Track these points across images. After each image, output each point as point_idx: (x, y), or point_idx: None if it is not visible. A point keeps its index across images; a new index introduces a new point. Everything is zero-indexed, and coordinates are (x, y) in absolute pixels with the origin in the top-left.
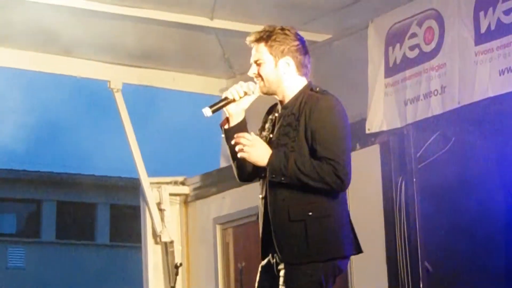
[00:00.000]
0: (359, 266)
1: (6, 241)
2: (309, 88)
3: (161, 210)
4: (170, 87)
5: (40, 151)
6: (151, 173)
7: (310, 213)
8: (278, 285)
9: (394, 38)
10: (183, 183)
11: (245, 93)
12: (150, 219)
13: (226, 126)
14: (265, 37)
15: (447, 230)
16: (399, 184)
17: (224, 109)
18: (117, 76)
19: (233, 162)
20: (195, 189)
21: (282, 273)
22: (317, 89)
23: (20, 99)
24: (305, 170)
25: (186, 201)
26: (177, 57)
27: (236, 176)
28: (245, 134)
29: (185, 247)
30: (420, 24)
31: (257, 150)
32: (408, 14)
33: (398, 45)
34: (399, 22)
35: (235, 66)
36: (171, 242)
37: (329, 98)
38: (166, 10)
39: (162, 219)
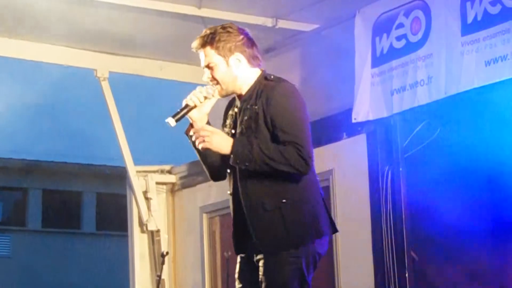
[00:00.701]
0: (345, 255)
1: None
2: (263, 77)
3: (147, 199)
4: (157, 76)
5: (32, 138)
6: (137, 161)
7: (284, 200)
8: (258, 275)
9: (381, 28)
10: (169, 172)
11: (205, 98)
12: (137, 208)
13: (191, 133)
14: (209, 40)
15: (433, 219)
16: (385, 174)
17: (187, 116)
18: (104, 65)
19: (204, 165)
20: (181, 177)
21: (261, 263)
22: (272, 77)
23: (10, 86)
24: (270, 154)
25: (173, 189)
26: (164, 46)
27: (209, 177)
28: (203, 126)
29: (172, 236)
30: (407, 15)
31: (217, 137)
32: (395, 4)
33: (385, 35)
34: (386, 12)
35: None
36: (158, 231)
37: (284, 84)
38: None
39: (149, 208)
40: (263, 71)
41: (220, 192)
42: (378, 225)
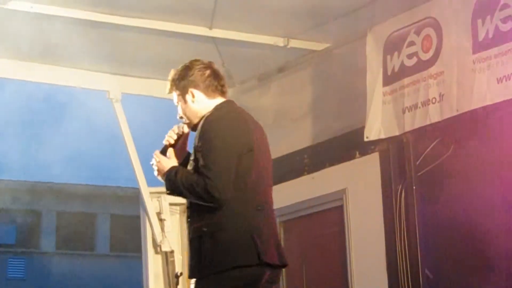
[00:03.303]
0: (359, 273)
1: (6, 251)
2: (215, 108)
3: (161, 220)
4: (170, 97)
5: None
6: (151, 182)
7: (205, 229)
8: None
9: (392, 46)
10: None
11: (179, 135)
12: (150, 229)
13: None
14: (172, 82)
15: (447, 238)
16: (399, 192)
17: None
18: (116, 86)
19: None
20: None
21: None
22: (219, 106)
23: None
24: (184, 183)
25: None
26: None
27: None
28: (155, 153)
29: (185, 257)
30: (418, 33)
31: (160, 165)
32: (406, 22)
33: (396, 53)
34: (397, 30)
35: (234, 75)
36: (172, 251)
37: (215, 113)
38: (165, 20)
39: (162, 229)
40: (222, 102)
41: None
42: (392, 244)
